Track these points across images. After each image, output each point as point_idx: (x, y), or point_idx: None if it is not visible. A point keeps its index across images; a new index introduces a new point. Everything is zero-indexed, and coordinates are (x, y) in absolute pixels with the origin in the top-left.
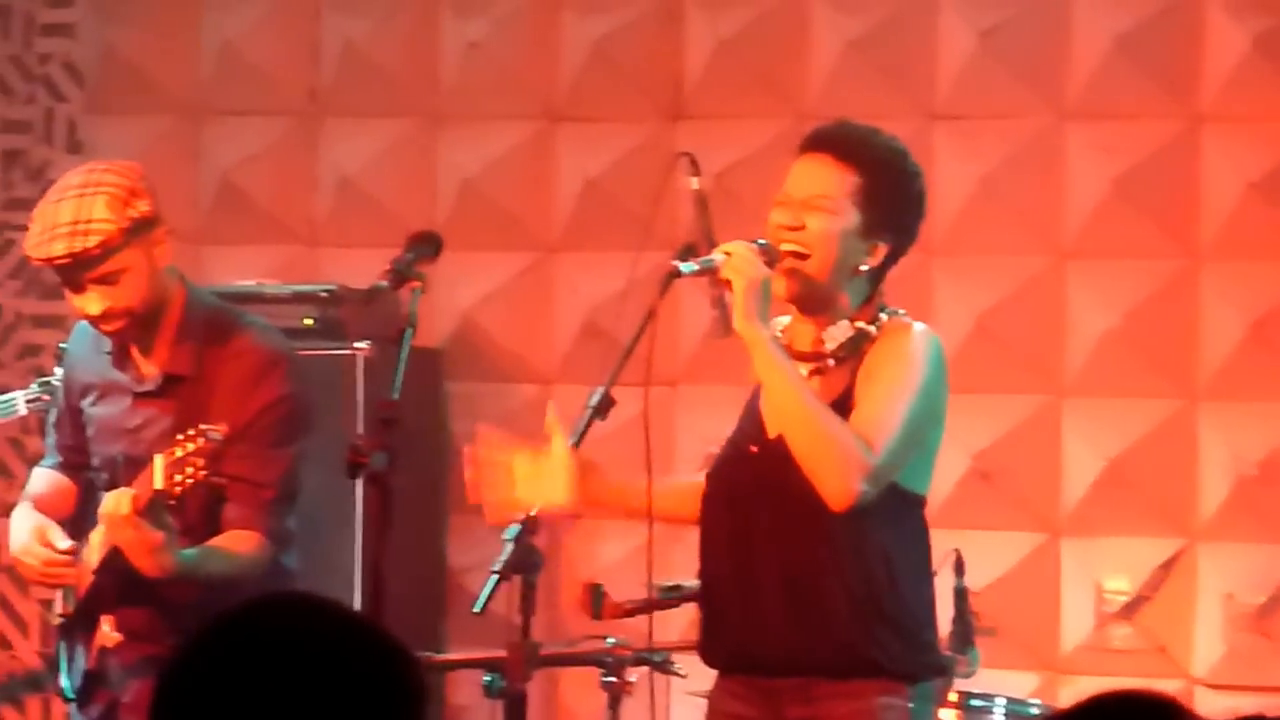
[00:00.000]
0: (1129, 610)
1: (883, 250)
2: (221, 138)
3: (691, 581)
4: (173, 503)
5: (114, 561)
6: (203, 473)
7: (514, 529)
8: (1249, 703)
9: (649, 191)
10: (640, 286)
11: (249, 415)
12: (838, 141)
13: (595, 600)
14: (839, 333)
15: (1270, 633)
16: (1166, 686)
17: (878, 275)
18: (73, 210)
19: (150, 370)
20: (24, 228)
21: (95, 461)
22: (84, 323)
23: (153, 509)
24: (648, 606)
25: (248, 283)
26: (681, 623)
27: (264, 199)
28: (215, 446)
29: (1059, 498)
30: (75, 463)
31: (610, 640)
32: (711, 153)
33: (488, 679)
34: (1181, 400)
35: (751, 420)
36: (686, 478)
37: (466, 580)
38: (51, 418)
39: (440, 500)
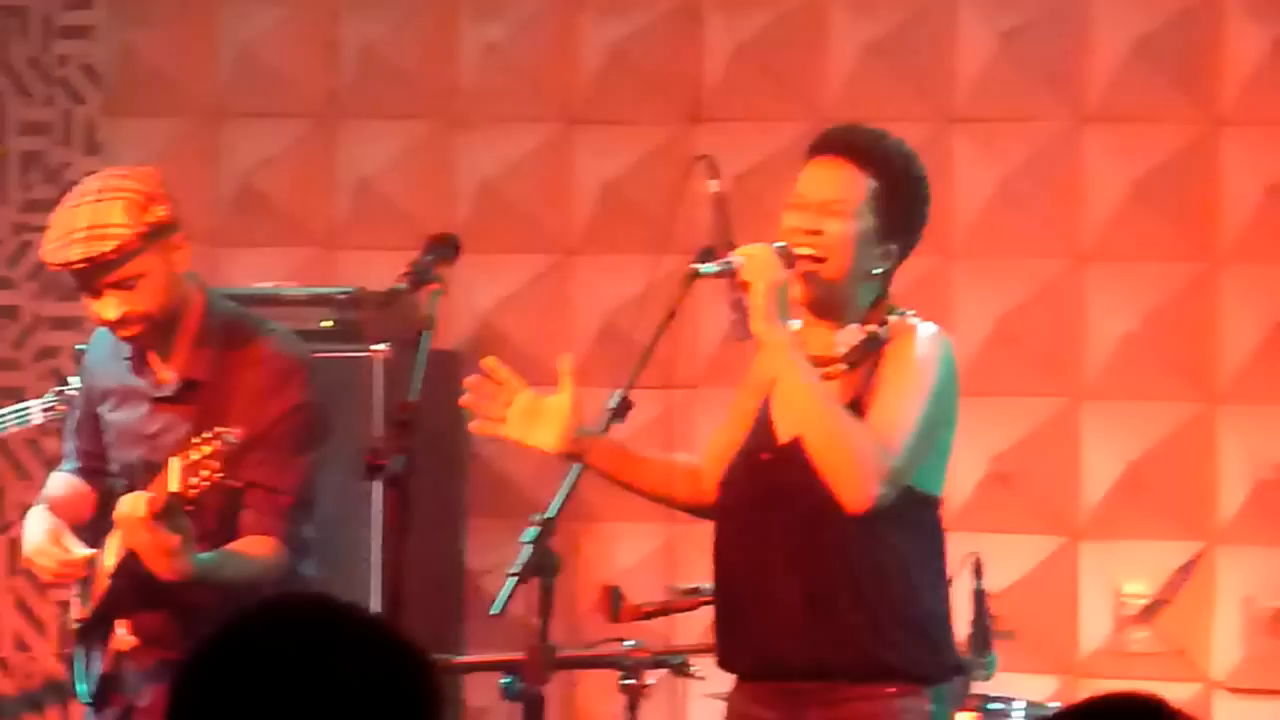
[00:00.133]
0: (1148, 613)
1: (894, 253)
2: (240, 140)
3: (708, 585)
4: (190, 507)
5: (130, 565)
6: (218, 475)
7: (532, 531)
8: (1268, 707)
9: (667, 194)
10: (659, 289)
11: (267, 422)
12: (853, 145)
13: (613, 603)
14: (849, 336)
15: None
16: (1185, 690)
17: (887, 278)
18: (89, 215)
19: (168, 376)
20: (42, 229)
21: (114, 467)
22: (103, 328)
23: (170, 512)
24: (666, 609)
25: (266, 285)
26: (699, 625)
27: (282, 201)
28: (231, 449)
29: (1078, 501)
30: (94, 468)
31: (628, 643)
32: (730, 155)
33: (506, 681)
34: (1200, 403)
35: (762, 427)
36: (683, 457)
37: (485, 582)
38: (70, 423)
39: (458, 502)
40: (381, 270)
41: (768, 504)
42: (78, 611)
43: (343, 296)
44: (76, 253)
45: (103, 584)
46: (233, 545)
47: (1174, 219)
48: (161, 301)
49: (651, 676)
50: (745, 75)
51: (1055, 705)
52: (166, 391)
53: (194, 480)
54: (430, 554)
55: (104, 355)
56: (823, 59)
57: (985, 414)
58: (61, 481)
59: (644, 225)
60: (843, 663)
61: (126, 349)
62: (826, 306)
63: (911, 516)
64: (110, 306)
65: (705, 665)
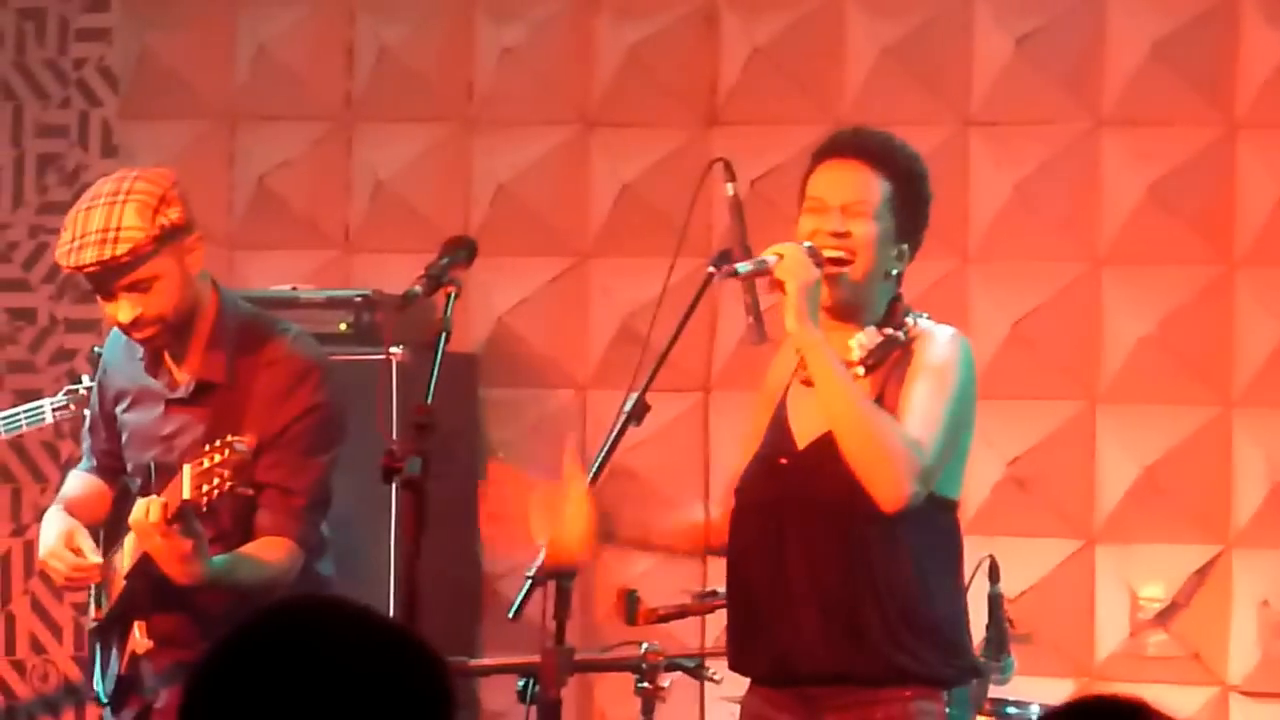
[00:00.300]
0: (1164, 617)
1: (908, 253)
2: (256, 142)
3: (725, 588)
4: (204, 510)
5: (145, 567)
6: (229, 484)
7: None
8: None
9: (684, 197)
10: (676, 292)
11: (282, 423)
12: (866, 148)
13: (629, 606)
14: (867, 339)
15: None
16: (1201, 694)
17: (900, 279)
18: (102, 218)
19: (183, 377)
20: (59, 232)
21: (129, 467)
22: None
23: (183, 517)
24: (682, 612)
25: (283, 288)
26: (715, 628)
27: (299, 204)
28: (241, 458)
29: (1094, 504)
30: (111, 466)
31: (644, 646)
32: (747, 158)
33: (522, 684)
34: (1217, 406)
35: (780, 431)
36: (686, 516)
37: (501, 585)
38: (87, 422)
39: (475, 505)
40: (398, 273)
41: (786, 508)
42: (94, 611)
43: (359, 299)
44: (89, 256)
45: (119, 585)
46: (247, 548)
47: (1191, 222)
48: (175, 303)
49: (667, 680)
50: (762, 78)
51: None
52: (181, 393)
53: (205, 488)
54: (447, 557)
55: (119, 356)
56: (840, 62)
57: (1002, 417)
58: (79, 480)
59: (661, 228)
60: (859, 666)
61: (141, 350)
62: (848, 309)
63: (930, 520)
64: (124, 309)
65: (721, 668)
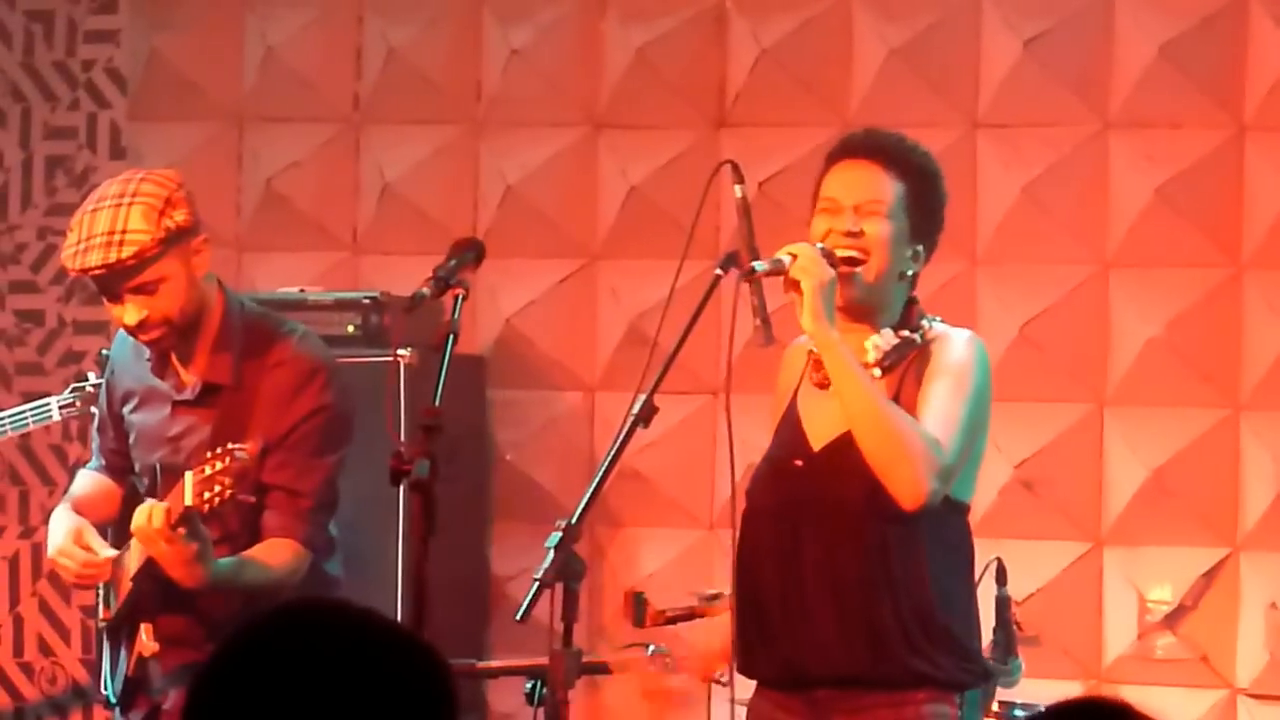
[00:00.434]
0: (1172, 620)
1: (921, 255)
2: (265, 144)
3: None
4: (208, 513)
5: (151, 570)
6: (229, 491)
7: (556, 536)
8: None
9: (692, 199)
10: (684, 294)
11: (288, 424)
12: (878, 148)
13: (637, 608)
14: (883, 341)
15: None
16: (1209, 696)
17: (915, 280)
18: (108, 220)
19: (189, 379)
20: (66, 234)
21: (136, 467)
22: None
23: (188, 521)
24: (690, 614)
25: (291, 290)
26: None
27: (307, 206)
28: (243, 466)
29: (1102, 507)
30: (119, 466)
31: (652, 648)
32: (755, 160)
33: (530, 686)
34: (1225, 409)
35: (793, 433)
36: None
37: (509, 587)
38: (95, 422)
39: (483, 507)
40: (406, 275)
41: (800, 511)
42: (103, 613)
43: (367, 301)
44: (95, 258)
45: (126, 587)
46: (252, 550)
47: (1199, 225)
48: (181, 305)
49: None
50: (770, 80)
51: None
52: (187, 395)
53: (207, 495)
54: (455, 559)
55: (127, 356)
56: (847, 65)
57: (1009, 419)
58: (87, 479)
59: (668, 230)
60: (875, 669)
61: (148, 351)
62: (863, 310)
63: (945, 523)
64: (130, 311)
65: (728, 671)
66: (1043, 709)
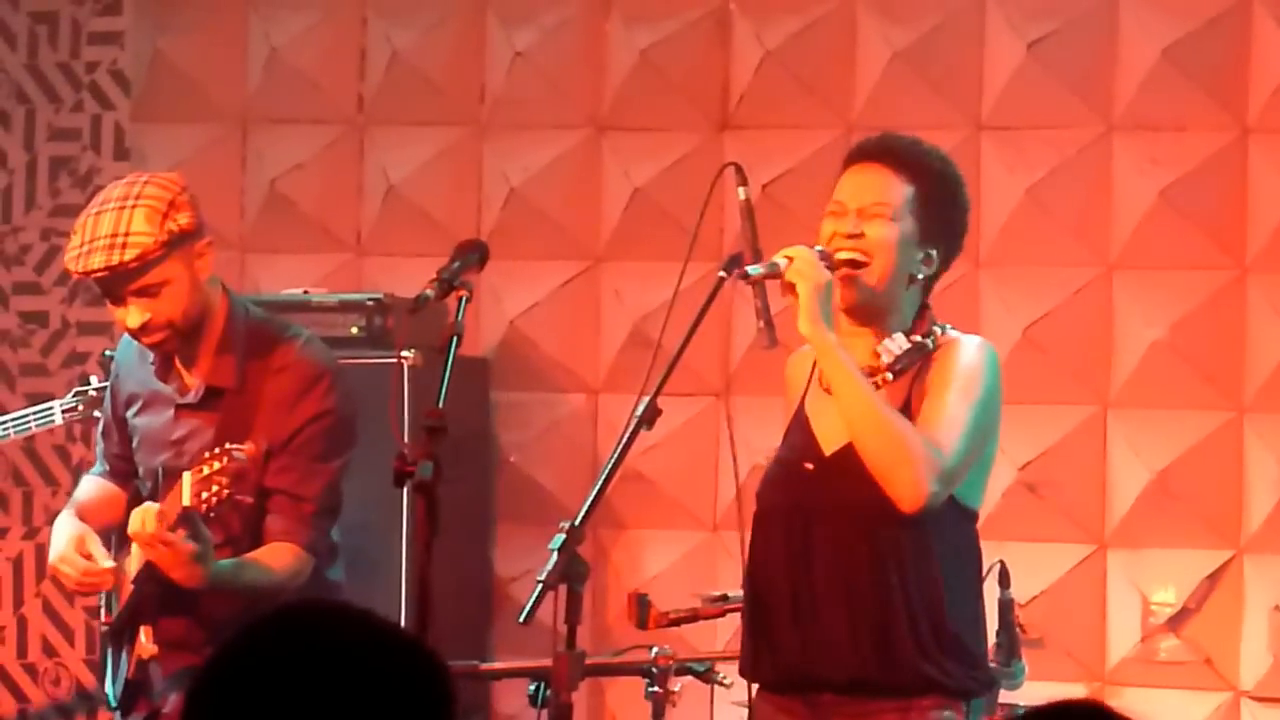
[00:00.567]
0: (1175, 622)
1: (934, 258)
2: (268, 146)
3: (736, 592)
4: (212, 515)
5: (151, 573)
6: (227, 492)
7: (560, 538)
8: None
9: (696, 201)
10: (687, 296)
11: (291, 428)
12: (890, 151)
13: (641, 610)
14: (895, 346)
15: None
16: (1213, 699)
17: (927, 285)
18: (111, 223)
19: (193, 382)
20: (70, 236)
21: (139, 471)
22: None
23: (189, 521)
24: (693, 616)
25: (294, 291)
26: (726, 632)
27: (311, 207)
28: (240, 466)
29: (1105, 509)
30: (124, 470)
31: (655, 649)
32: (758, 163)
33: (533, 688)
34: (1229, 412)
35: (803, 436)
36: None
37: (513, 589)
38: (100, 425)
39: (487, 509)
40: (410, 276)
41: (811, 515)
42: (105, 616)
43: (371, 303)
44: (98, 261)
45: (127, 589)
46: (253, 554)
47: (1202, 227)
48: (184, 308)
49: (678, 683)
50: (774, 83)
51: None
52: (190, 398)
53: (205, 495)
54: (459, 561)
55: (131, 360)
56: (851, 67)
57: (1013, 422)
58: (92, 484)
59: (672, 232)
60: (885, 674)
61: (152, 354)
62: (870, 313)
63: (955, 529)
64: (133, 314)
65: (732, 672)
66: (1020, 713)
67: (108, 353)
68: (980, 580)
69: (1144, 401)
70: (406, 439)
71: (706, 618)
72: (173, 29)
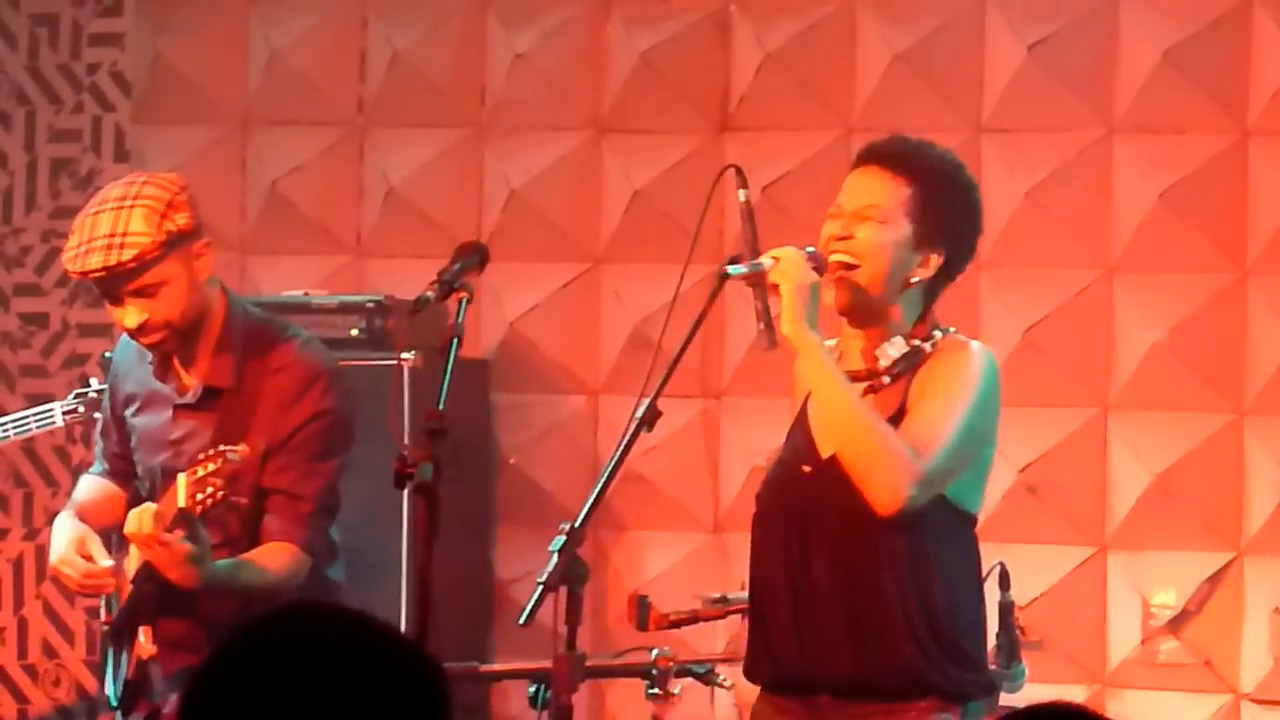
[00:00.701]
0: (1176, 624)
1: (935, 262)
2: (269, 147)
3: (736, 594)
4: (208, 516)
5: (150, 573)
6: (221, 493)
7: (560, 540)
8: None
9: (696, 203)
10: (687, 298)
11: (289, 428)
12: (890, 153)
13: (641, 611)
14: (893, 349)
15: None
16: (1213, 701)
17: (931, 289)
18: (109, 223)
19: (191, 382)
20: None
21: (138, 470)
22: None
23: (186, 522)
24: (693, 618)
25: (295, 293)
26: (726, 634)
27: (311, 209)
28: (235, 467)
29: (1106, 511)
30: (123, 470)
31: (655, 651)
32: (759, 164)
33: (534, 690)
34: (1229, 414)
35: (803, 438)
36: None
37: (513, 591)
38: (99, 425)
39: (487, 511)
40: (410, 278)
41: (809, 517)
42: (104, 616)
43: (371, 304)
44: (95, 261)
45: (127, 590)
46: (251, 554)
47: (1203, 229)
48: (183, 309)
49: (678, 685)
50: (774, 84)
51: None
52: (189, 398)
53: (200, 496)
54: (459, 562)
55: (130, 360)
56: (851, 69)
57: (1013, 424)
58: (91, 484)
59: (672, 234)
60: (882, 677)
61: (151, 354)
62: (865, 315)
63: (951, 533)
64: (131, 314)
65: (732, 674)
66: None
67: (108, 355)
68: (980, 583)
69: (1144, 404)
70: (407, 440)
71: (707, 619)
72: (173, 30)
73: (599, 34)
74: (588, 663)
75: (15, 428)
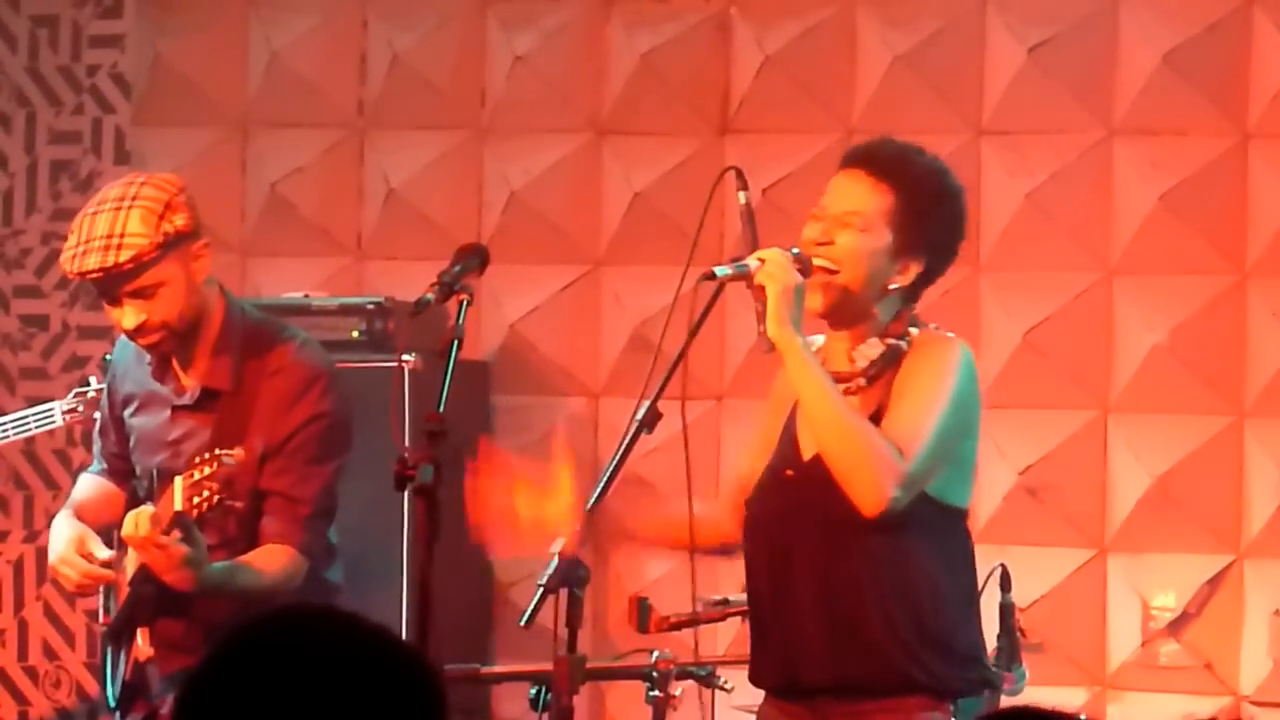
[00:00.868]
0: (1176, 627)
1: (914, 269)
2: (269, 149)
3: (737, 596)
4: (200, 518)
5: (147, 575)
6: (216, 497)
7: (561, 542)
8: None
9: (696, 205)
10: (687, 300)
11: (287, 430)
12: (876, 159)
13: (641, 614)
14: (870, 350)
15: None
16: (1213, 703)
17: (910, 293)
18: (107, 224)
19: (189, 383)
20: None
21: (136, 471)
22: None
23: (182, 525)
24: (694, 620)
25: (295, 295)
26: (727, 636)
27: (311, 211)
28: (230, 471)
29: (1106, 514)
30: (121, 469)
31: (656, 654)
32: (759, 167)
33: (534, 692)
34: (1229, 416)
35: (788, 444)
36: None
37: (514, 593)
38: (98, 425)
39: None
40: (410, 280)
41: (792, 520)
42: (103, 618)
43: (371, 306)
44: (93, 262)
45: (124, 591)
46: (247, 556)
47: (1202, 232)
48: (181, 310)
49: (679, 688)
50: (774, 87)
51: (1083, 719)
52: (187, 399)
53: (196, 499)
54: (459, 565)
55: (129, 360)
56: (851, 71)
57: (1013, 426)
58: (89, 483)
59: (672, 236)
60: (866, 677)
61: (149, 355)
62: (845, 317)
63: (936, 529)
64: (129, 315)
65: (733, 677)
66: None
67: (108, 357)
68: (971, 577)
69: (1144, 406)
70: (407, 442)
71: (707, 622)
72: (173, 32)
73: (599, 36)
74: (588, 665)
75: (15, 427)
